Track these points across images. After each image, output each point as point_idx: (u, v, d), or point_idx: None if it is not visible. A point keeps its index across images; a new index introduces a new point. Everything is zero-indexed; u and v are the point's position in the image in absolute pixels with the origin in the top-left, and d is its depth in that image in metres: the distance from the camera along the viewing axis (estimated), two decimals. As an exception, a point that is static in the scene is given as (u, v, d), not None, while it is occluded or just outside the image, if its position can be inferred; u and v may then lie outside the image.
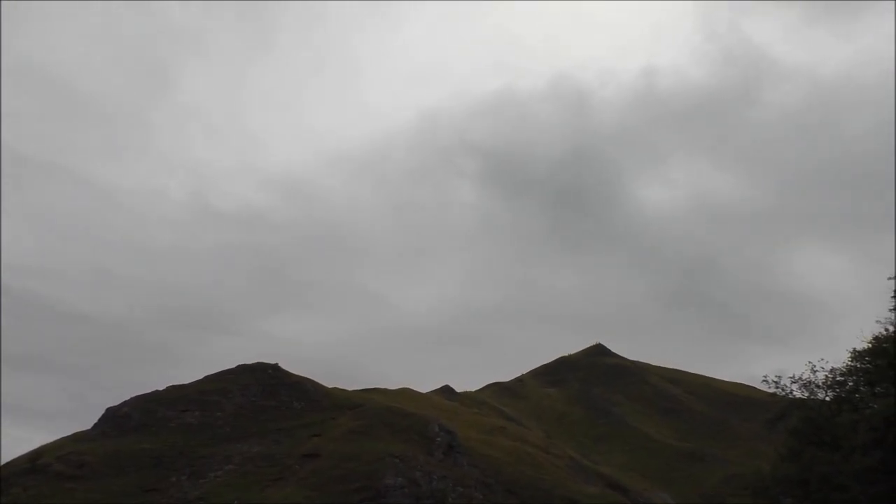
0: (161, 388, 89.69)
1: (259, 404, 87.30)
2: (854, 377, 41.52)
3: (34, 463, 73.03)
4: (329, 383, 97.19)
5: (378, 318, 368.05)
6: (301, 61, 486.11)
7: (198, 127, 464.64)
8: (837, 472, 37.28)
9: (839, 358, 42.93)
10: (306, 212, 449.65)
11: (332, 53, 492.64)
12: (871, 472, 35.72)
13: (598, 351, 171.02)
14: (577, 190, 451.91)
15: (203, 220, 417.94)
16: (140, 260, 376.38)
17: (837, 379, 42.26)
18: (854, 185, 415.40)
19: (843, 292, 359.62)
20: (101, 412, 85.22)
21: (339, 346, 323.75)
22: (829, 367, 42.70)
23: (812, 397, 43.16)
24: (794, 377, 43.89)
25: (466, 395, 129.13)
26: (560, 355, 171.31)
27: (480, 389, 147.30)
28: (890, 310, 40.60)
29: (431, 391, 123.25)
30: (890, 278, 40.81)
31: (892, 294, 40.45)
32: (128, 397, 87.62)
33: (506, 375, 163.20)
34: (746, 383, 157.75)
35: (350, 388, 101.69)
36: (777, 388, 44.55)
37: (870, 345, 40.76)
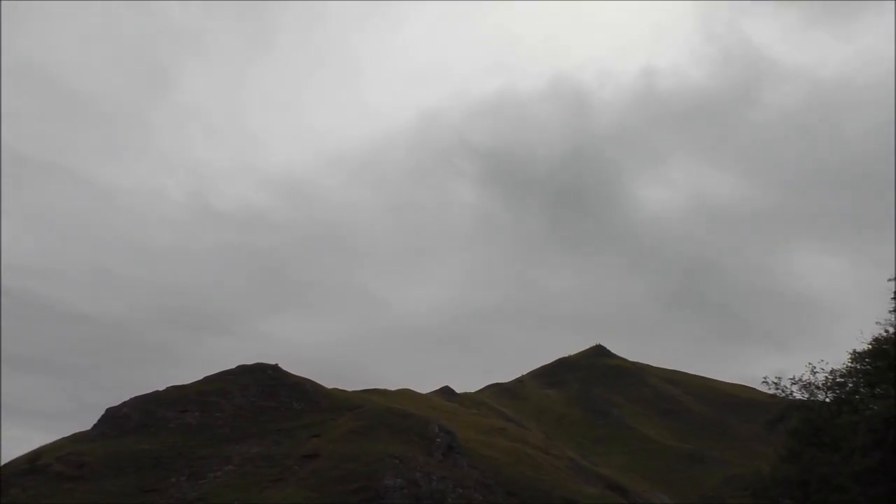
0: (161, 388, 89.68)
1: (259, 405, 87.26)
2: (854, 378, 41.51)
3: (34, 463, 72.97)
4: (329, 384, 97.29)
5: (378, 318, 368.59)
6: (301, 61, 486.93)
7: (197, 127, 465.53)
8: (837, 474, 37.28)
9: (839, 359, 42.93)
10: (306, 212, 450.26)
11: (332, 53, 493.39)
12: (871, 474, 35.71)
13: (598, 352, 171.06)
14: (576, 190, 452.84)
15: (203, 221, 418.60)
16: (140, 260, 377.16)
17: (837, 380, 42.25)
18: (853, 186, 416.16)
19: (843, 293, 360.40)
20: (100, 412, 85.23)
21: (339, 347, 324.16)
22: (828, 369, 42.70)
23: (812, 398, 43.13)
24: (793, 378, 43.89)
25: (466, 396, 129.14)
26: (560, 356, 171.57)
27: (480, 390, 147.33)
28: (890, 311, 40.59)
29: (431, 392, 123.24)
30: (890, 280, 40.79)
31: (892, 295, 40.46)
32: (127, 398, 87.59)
33: (505, 376, 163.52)
34: (746, 384, 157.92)
35: (350, 388, 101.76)
36: (777, 389, 44.53)
37: (870, 346, 40.74)
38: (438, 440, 79.40)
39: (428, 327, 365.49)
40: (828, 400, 42.57)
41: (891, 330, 40.42)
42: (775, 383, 44.50)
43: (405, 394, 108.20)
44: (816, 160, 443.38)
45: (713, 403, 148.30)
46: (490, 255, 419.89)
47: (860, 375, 41.03)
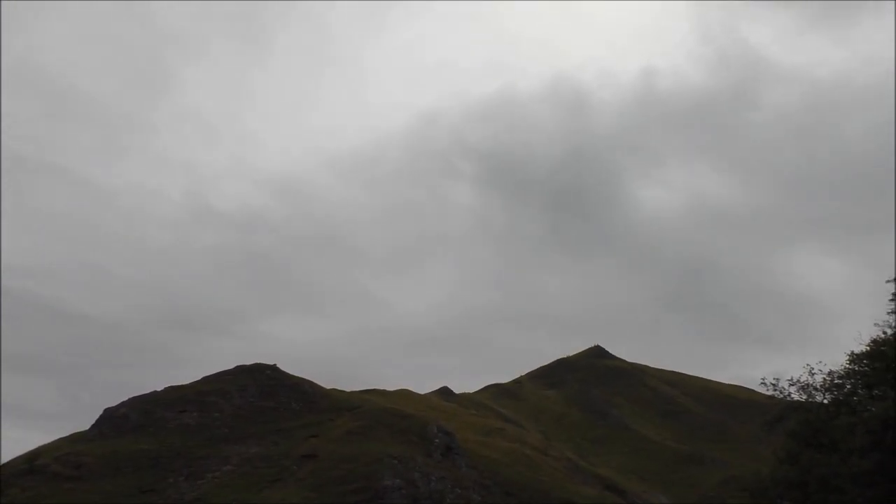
0: (159, 388, 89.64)
1: (257, 405, 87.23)
2: (852, 380, 41.51)
3: (32, 464, 72.86)
4: (327, 384, 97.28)
5: (376, 318, 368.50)
6: (299, 62, 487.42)
7: (196, 127, 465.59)
8: (835, 475, 37.31)
9: (837, 360, 42.92)
10: (304, 212, 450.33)
11: (331, 54, 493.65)
12: (869, 475, 35.74)
13: (597, 353, 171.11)
14: (575, 191, 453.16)
15: (201, 221, 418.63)
16: (138, 260, 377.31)
17: (835, 382, 42.24)
18: (852, 187, 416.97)
19: (841, 294, 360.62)
20: (98, 413, 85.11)
21: (338, 347, 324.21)
22: (827, 370, 42.68)
23: (810, 400, 43.12)
24: (792, 380, 43.85)
25: (465, 397, 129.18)
26: (558, 357, 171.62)
27: (479, 391, 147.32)
28: (888, 312, 40.62)
29: (430, 392, 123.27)
30: (888, 281, 40.84)
31: (891, 297, 40.49)
32: (126, 398, 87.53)
33: (504, 377, 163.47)
34: (745, 385, 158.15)
35: (348, 389, 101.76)
36: (775, 390, 44.50)
37: (868, 347, 40.75)
38: (437, 441, 79.42)
39: (427, 328, 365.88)
40: (826, 401, 42.57)
41: (889, 332, 40.45)
42: (773, 384, 44.49)
43: (404, 394, 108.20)
44: (814, 161, 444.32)
45: (712, 404, 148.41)
46: (489, 256, 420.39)
47: (858, 377, 41.04)
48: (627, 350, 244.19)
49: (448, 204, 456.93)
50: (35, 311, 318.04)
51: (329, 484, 67.24)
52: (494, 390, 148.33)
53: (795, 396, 43.83)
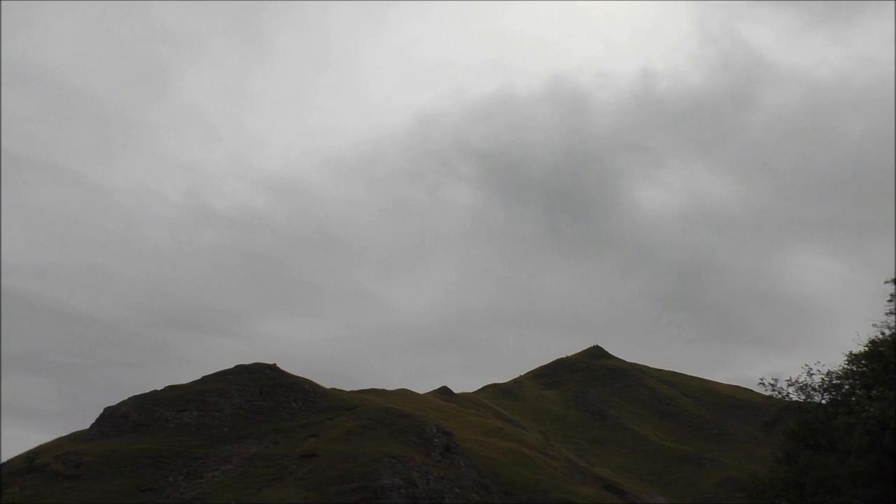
0: (159, 388, 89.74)
1: (257, 405, 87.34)
2: (850, 380, 41.67)
3: (32, 462, 72.98)
4: (327, 384, 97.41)
5: (376, 319, 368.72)
6: (298, 62, 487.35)
7: (196, 127, 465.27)
8: (833, 476, 37.45)
9: (835, 361, 43.13)
10: (304, 212, 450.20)
11: (330, 54, 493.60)
12: (867, 476, 35.88)
13: (596, 353, 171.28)
14: (573, 191, 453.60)
15: (200, 221, 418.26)
16: (137, 260, 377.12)
17: (833, 382, 42.41)
18: (850, 188, 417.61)
19: (839, 295, 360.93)
20: (98, 412, 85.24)
21: (337, 347, 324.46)
22: (825, 371, 42.87)
23: (808, 400, 43.29)
24: (790, 380, 44.06)
25: (464, 397, 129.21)
26: (557, 357, 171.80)
27: (478, 391, 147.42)
28: (886, 313, 40.82)
29: (429, 392, 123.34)
30: (887, 282, 41.03)
31: (889, 298, 40.66)
32: (126, 397, 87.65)
33: (503, 377, 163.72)
34: (743, 386, 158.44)
35: (348, 388, 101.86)
36: (773, 390, 44.69)
37: (866, 348, 40.92)
38: (436, 440, 79.55)
39: (426, 328, 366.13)
40: (824, 402, 42.73)
41: (887, 332, 40.63)
42: (772, 385, 44.69)
43: (403, 394, 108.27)
44: (813, 162, 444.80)
45: (710, 405, 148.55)
46: (487, 256, 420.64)
47: (856, 377, 41.21)
48: (626, 350, 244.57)
49: (447, 204, 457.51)
50: (35, 310, 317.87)
51: (328, 483, 67.35)
52: (493, 390, 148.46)
53: (794, 397, 44.02)
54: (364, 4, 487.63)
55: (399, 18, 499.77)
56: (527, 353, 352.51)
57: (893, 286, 40.64)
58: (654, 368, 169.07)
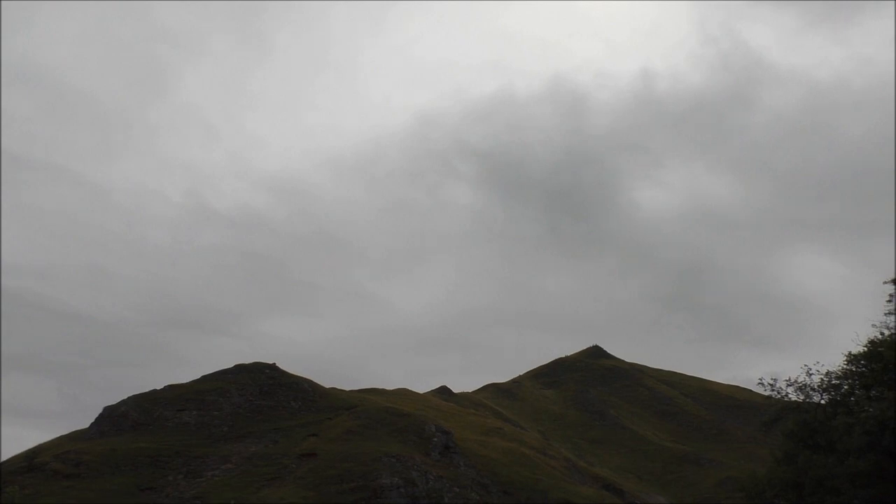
0: (159, 387, 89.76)
1: (256, 404, 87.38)
2: (849, 380, 41.75)
3: (31, 461, 72.96)
4: (326, 384, 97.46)
5: (375, 318, 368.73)
6: (298, 62, 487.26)
7: (195, 127, 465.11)
8: (832, 476, 37.51)
9: (834, 361, 43.22)
10: (304, 212, 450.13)
11: (330, 54, 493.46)
12: (866, 476, 35.94)
13: (595, 353, 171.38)
14: (573, 192, 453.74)
15: (200, 220, 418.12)
16: (137, 260, 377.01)
17: (833, 382, 42.49)
18: (849, 189, 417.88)
19: (839, 295, 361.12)
20: (98, 411, 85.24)
21: (337, 347, 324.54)
22: (824, 371, 42.95)
23: (807, 400, 43.37)
24: (789, 380, 44.15)
25: (463, 396, 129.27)
26: (557, 357, 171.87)
27: (477, 390, 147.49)
28: (885, 313, 40.88)
29: (428, 392, 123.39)
30: (886, 282, 41.09)
31: (888, 298, 40.71)
32: (125, 396, 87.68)
33: (503, 377, 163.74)
34: (742, 386, 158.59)
35: (347, 388, 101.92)
36: (772, 391, 44.78)
37: (865, 348, 40.98)
38: (435, 440, 79.61)
39: (425, 327, 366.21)
40: (823, 402, 42.81)
41: (886, 333, 40.69)
42: (771, 385, 44.77)
43: (402, 393, 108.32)
44: (813, 162, 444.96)
45: (709, 405, 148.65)
46: (487, 256, 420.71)
47: (855, 377, 41.28)
48: (625, 350, 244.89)
49: (447, 204, 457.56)
50: (35, 310, 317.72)
51: (327, 482, 67.40)
52: (493, 390, 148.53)
53: (793, 397, 44.10)
54: (364, 4, 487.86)
55: (399, 18, 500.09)
56: (526, 352, 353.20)
57: (893, 286, 40.73)
58: (653, 368, 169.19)
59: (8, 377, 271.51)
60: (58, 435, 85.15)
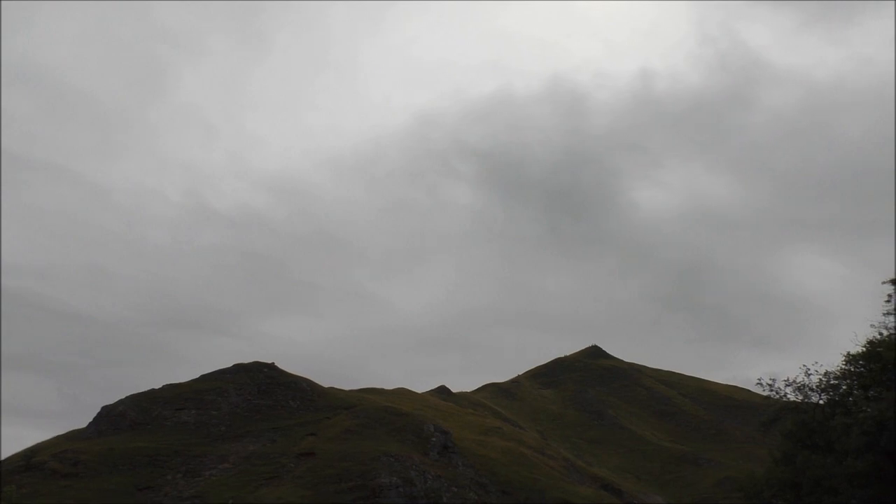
0: (157, 386, 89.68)
1: (255, 403, 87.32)
2: (848, 381, 41.76)
3: (29, 461, 72.91)
4: (325, 383, 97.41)
5: (375, 318, 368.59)
6: (298, 62, 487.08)
7: (195, 127, 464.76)
8: (830, 476, 37.51)
9: (833, 361, 43.21)
10: (303, 212, 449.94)
11: (329, 54, 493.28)
12: (864, 476, 35.94)
13: (594, 353, 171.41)
14: (572, 192, 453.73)
15: (200, 220, 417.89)
16: (136, 259, 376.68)
17: (831, 382, 42.50)
18: (848, 189, 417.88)
19: (838, 296, 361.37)
20: (96, 411, 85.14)
21: (336, 347, 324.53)
22: (823, 371, 42.96)
23: (806, 401, 43.38)
24: (788, 380, 44.16)
25: (462, 396, 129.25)
26: (555, 357, 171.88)
27: (476, 390, 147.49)
28: (884, 314, 40.88)
29: (427, 391, 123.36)
30: (885, 282, 41.09)
31: (887, 298, 40.70)
32: (124, 396, 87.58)
33: (502, 376, 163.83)
34: (741, 386, 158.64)
35: (346, 388, 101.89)
36: (771, 391, 44.79)
37: (864, 349, 40.97)
38: (434, 439, 79.59)
39: (425, 327, 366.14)
40: (822, 402, 42.82)
41: (885, 333, 40.69)
42: (769, 385, 44.78)
43: (401, 393, 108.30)
44: (812, 162, 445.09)
45: (708, 405, 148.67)
46: (486, 256, 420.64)
47: (854, 378, 41.29)
48: (624, 350, 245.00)
49: (447, 204, 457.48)
50: (35, 310, 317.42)
51: (326, 482, 67.37)
52: (492, 389, 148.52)
53: (791, 397, 44.11)
54: (363, 4, 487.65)
55: (398, 18, 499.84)
56: (525, 352, 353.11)
57: (892, 287, 40.72)
58: (651, 368, 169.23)
59: (8, 377, 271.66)
60: (56, 434, 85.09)
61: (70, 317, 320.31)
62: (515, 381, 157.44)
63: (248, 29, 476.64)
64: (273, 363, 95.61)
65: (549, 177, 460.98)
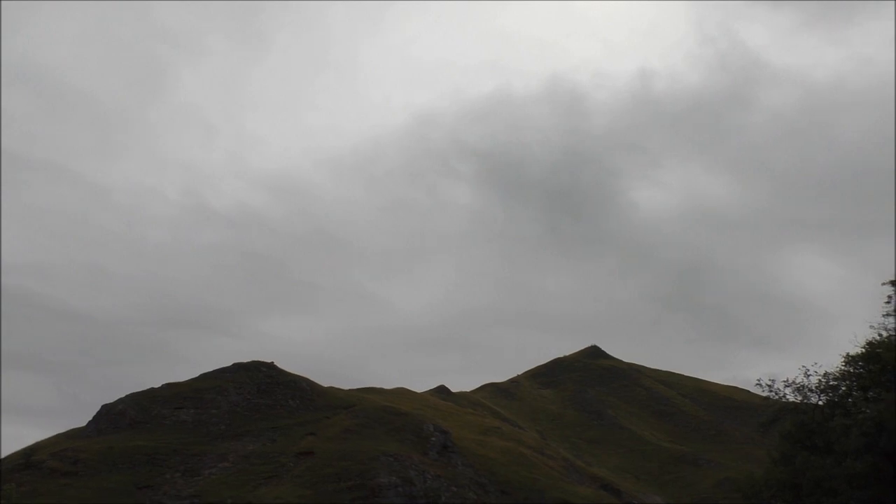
0: (156, 385, 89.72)
1: (254, 402, 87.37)
2: (847, 382, 41.75)
3: (28, 459, 72.97)
4: (324, 383, 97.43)
5: (374, 318, 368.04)
6: (297, 62, 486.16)
7: (194, 127, 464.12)
8: (829, 477, 37.52)
9: (832, 362, 43.19)
10: (302, 212, 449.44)
11: (328, 54, 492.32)
12: (863, 478, 35.94)
13: (593, 353, 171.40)
14: (571, 192, 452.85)
15: (199, 220, 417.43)
16: (136, 259, 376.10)
17: (831, 383, 42.48)
18: (847, 189, 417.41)
19: (837, 296, 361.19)
20: (96, 409, 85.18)
21: (335, 346, 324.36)
22: (822, 372, 42.94)
23: (805, 401, 43.35)
24: (787, 381, 44.11)
25: (462, 396, 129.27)
26: (555, 357, 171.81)
27: (475, 390, 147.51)
28: (884, 315, 40.88)
29: (427, 391, 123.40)
30: (884, 283, 41.09)
31: (886, 299, 40.71)
32: (123, 395, 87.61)
33: (501, 376, 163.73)
34: (740, 387, 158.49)
35: (345, 387, 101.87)
36: (770, 391, 44.75)
37: (863, 350, 40.97)
38: (433, 439, 79.62)
39: (424, 327, 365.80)
40: (821, 403, 42.81)
41: (884, 334, 40.71)
42: (769, 386, 44.74)
43: (401, 393, 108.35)
44: (811, 163, 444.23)
45: (707, 405, 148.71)
46: (485, 256, 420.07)
47: (853, 379, 41.28)
48: (624, 350, 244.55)
49: (446, 204, 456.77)
50: (34, 309, 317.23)
51: (325, 481, 67.41)
52: (491, 389, 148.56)
53: (790, 398, 44.07)
54: (362, 4, 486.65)
55: (397, 18, 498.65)
56: (524, 352, 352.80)
57: (891, 288, 40.73)
58: (651, 368, 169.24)
59: (8, 376, 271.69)
60: (55, 433, 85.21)
61: (70, 316, 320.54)
62: (515, 381, 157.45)
63: (247, 29, 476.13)
64: (272, 362, 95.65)
65: (548, 177, 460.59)
